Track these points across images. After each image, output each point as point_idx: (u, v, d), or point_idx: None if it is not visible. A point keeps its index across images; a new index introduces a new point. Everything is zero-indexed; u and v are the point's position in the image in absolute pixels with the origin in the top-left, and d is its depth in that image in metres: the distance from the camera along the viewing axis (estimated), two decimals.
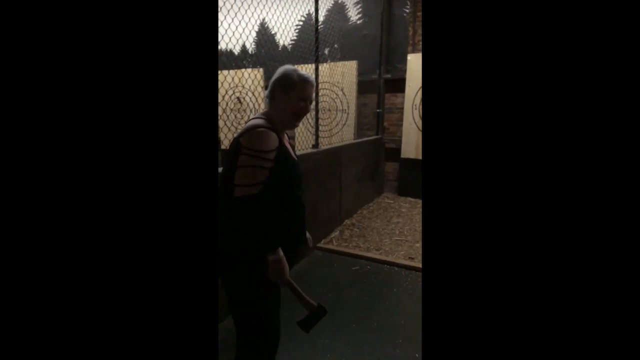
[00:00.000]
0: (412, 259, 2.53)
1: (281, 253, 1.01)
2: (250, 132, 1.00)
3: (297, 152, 2.62)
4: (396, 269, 2.42)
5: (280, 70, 1.10)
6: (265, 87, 1.14)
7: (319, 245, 2.78)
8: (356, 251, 2.66)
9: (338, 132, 4.15)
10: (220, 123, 4.61)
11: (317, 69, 2.83)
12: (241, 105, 4.40)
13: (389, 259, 2.52)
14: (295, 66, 1.11)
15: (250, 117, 1.11)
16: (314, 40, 2.83)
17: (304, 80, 1.08)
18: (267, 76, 4.43)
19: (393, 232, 3.06)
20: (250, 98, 4.21)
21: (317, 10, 2.80)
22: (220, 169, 1.05)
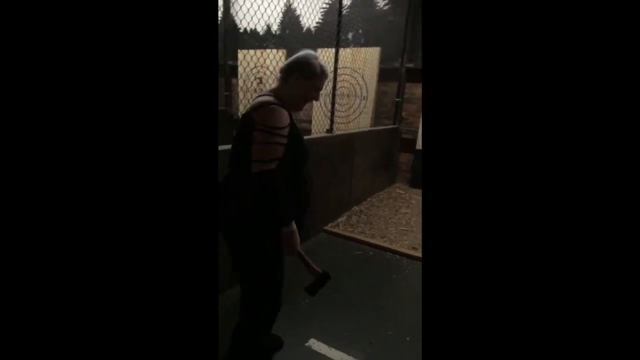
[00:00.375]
0: (415, 249, 2.56)
1: (294, 225, 1.05)
2: (263, 108, 1.01)
3: (311, 136, 2.66)
4: (398, 257, 2.46)
5: (304, 54, 1.10)
6: None
7: (325, 228, 2.84)
8: (361, 237, 2.70)
9: (355, 118, 4.14)
10: (238, 101, 4.66)
11: (337, 53, 2.81)
12: (259, 85, 4.43)
13: (393, 247, 2.56)
14: (318, 50, 1.15)
15: (258, 95, 1.13)
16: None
17: (323, 72, 1.12)
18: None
19: (400, 222, 3.08)
20: (269, 78, 4.23)
21: None
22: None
